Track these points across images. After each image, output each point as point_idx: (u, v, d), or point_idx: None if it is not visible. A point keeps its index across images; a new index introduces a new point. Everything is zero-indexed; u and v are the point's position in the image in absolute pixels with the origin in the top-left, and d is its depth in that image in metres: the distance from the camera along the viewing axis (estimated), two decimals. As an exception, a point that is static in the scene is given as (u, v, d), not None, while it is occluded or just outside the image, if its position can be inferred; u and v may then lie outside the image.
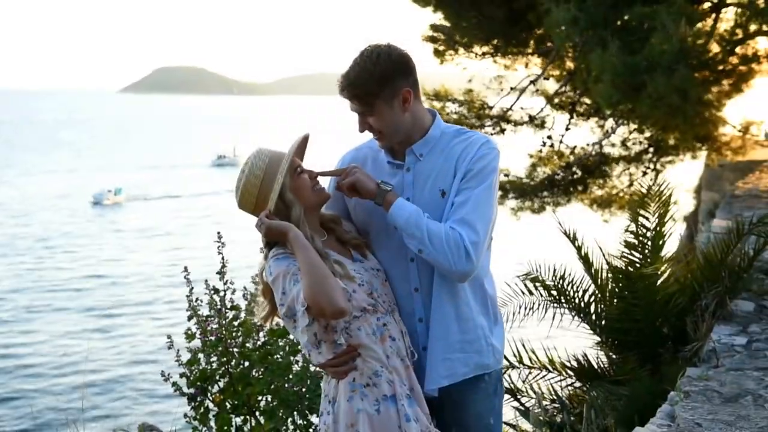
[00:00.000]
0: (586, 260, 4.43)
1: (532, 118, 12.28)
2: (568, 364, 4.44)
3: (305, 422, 3.93)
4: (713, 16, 9.62)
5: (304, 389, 3.85)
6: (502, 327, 2.55)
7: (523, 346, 4.49)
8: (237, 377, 3.92)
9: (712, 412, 2.89)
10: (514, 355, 4.47)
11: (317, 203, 2.39)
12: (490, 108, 12.20)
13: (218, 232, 4.01)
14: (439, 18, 12.03)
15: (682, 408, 2.94)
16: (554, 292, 4.43)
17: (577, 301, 4.38)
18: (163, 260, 32.49)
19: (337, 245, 2.40)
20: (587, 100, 12.14)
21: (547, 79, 12.31)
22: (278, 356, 3.94)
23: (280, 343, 3.97)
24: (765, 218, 4.36)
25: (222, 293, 4.01)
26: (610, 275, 4.34)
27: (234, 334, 3.96)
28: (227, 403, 3.93)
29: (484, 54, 12.21)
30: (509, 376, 4.41)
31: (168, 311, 23.55)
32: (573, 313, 4.41)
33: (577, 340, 4.51)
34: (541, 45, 11.95)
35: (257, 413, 3.98)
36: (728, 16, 9.83)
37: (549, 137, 12.47)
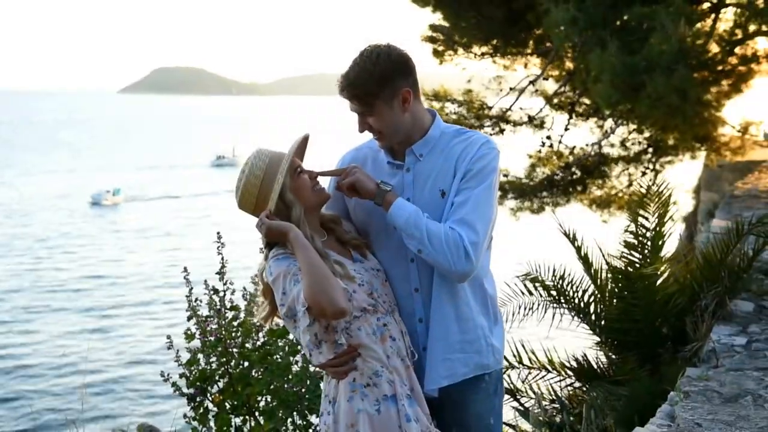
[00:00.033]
0: (585, 260, 4.43)
1: (531, 119, 12.28)
2: (567, 365, 4.44)
3: (305, 422, 3.93)
4: (712, 16, 9.62)
5: (303, 389, 3.84)
6: (502, 327, 2.55)
7: (523, 346, 4.49)
8: (236, 377, 3.91)
9: (711, 412, 2.89)
10: (514, 356, 4.47)
11: (317, 203, 2.39)
12: (490, 108, 12.20)
13: (218, 233, 4.01)
14: (438, 18, 12.03)
15: (681, 408, 2.94)
16: (554, 293, 4.43)
17: (576, 301, 4.38)
18: (162, 261, 32.49)
19: (337, 245, 2.40)
20: (586, 101, 12.15)
21: (546, 79, 12.32)
22: (278, 356, 3.94)
23: (280, 344, 3.97)
24: (764, 218, 4.36)
25: (221, 293, 4.01)
26: (609, 275, 4.34)
27: (233, 334, 3.96)
28: (227, 404, 3.93)
29: (483, 54, 12.21)
30: (509, 376, 4.41)
31: (167, 311, 23.54)
32: (572, 314, 4.41)
33: (576, 341, 4.51)
34: (541, 45, 11.95)
35: (257, 413, 3.98)
36: (727, 17, 9.84)
37: (548, 137, 12.46)
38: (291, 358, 3.94)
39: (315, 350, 2.27)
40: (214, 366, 3.94)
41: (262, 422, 3.92)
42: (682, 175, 14.56)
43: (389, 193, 2.34)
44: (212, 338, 3.91)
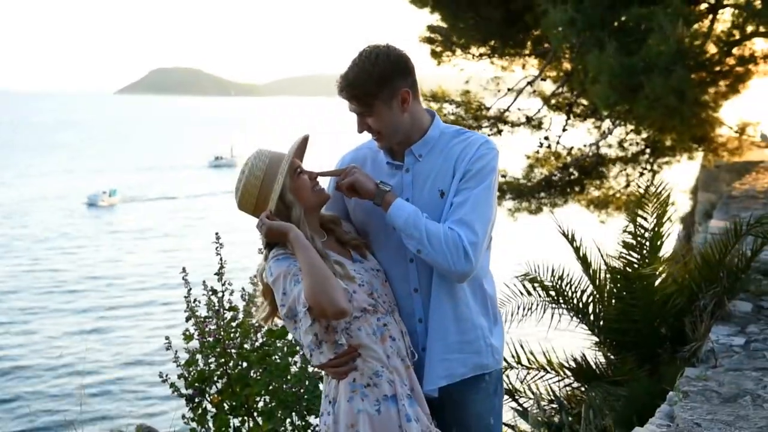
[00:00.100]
0: (584, 261, 4.42)
1: (529, 119, 12.29)
2: (566, 365, 4.43)
3: (303, 423, 3.93)
4: (710, 17, 9.63)
5: (302, 390, 3.84)
6: (501, 327, 2.55)
7: (522, 346, 4.49)
8: (235, 378, 3.91)
9: (711, 412, 2.89)
10: (513, 356, 4.47)
11: (317, 204, 2.39)
12: (488, 109, 12.20)
13: (216, 233, 4.01)
14: (436, 19, 12.04)
15: (681, 408, 2.94)
16: (552, 293, 4.42)
17: (575, 301, 4.38)
18: (160, 261, 32.48)
19: (337, 246, 2.40)
20: (584, 101, 12.15)
21: (544, 80, 12.32)
22: (276, 357, 3.94)
23: (279, 344, 3.97)
24: (762, 219, 4.36)
25: (220, 294, 4.00)
26: (608, 276, 4.34)
27: (232, 335, 3.95)
28: (225, 404, 3.92)
29: (481, 55, 12.22)
30: (507, 376, 4.41)
31: (165, 312, 23.53)
32: (571, 314, 4.41)
33: (575, 341, 4.51)
34: (539, 46, 11.96)
35: (255, 414, 3.97)
36: (725, 17, 9.85)
37: (546, 138, 12.47)
38: (290, 359, 3.94)
39: (315, 350, 2.27)
40: (212, 367, 3.94)
41: (260, 423, 3.92)
42: (679, 176, 14.58)
43: (388, 194, 2.34)
44: (211, 339, 3.91)
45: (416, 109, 2.41)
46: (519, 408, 4.34)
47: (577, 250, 4.45)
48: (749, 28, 9.21)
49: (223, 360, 3.91)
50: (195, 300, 3.97)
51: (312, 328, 2.19)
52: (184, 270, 3.99)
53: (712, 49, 9.28)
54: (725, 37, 9.45)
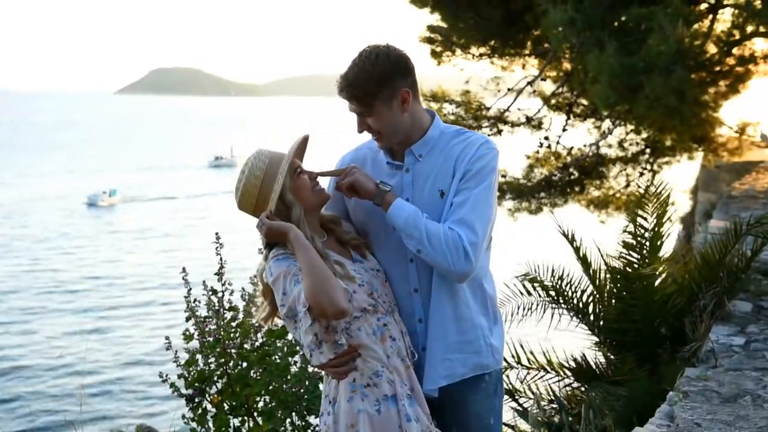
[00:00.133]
0: (584, 261, 4.42)
1: (529, 119, 12.29)
2: (566, 365, 4.43)
3: (303, 423, 3.93)
4: (710, 17, 9.63)
5: (302, 390, 3.85)
6: (501, 327, 2.55)
7: (522, 346, 4.49)
8: (235, 378, 3.91)
9: (711, 412, 2.89)
10: (513, 356, 4.47)
11: (317, 204, 2.39)
12: (487, 109, 12.20)
13: (216, 233, 4.01)
14: (436, 19, 12.04)
15: (681, 408, 2.94)
16: (552, 293, 4.42)
17: (575, 301, 4.38)
18: (160, 261, 32.48)
19: (337, 246, 2.40)
20: (584, 101, 12.16)
21: (544, 80, 12.32)
22: (276, 357, 3.94)
23: (278, 344, 3.97)
24: (762, 219, 4.36)
25: (220, 294, 4.00)
26: (608, 276, 4.34)
27: (232, 335, 3.95)
28: (225, 404, 3.93)
29: (481, 55, 12.22)
30: (507, 376, 4.41)
31: (165, 312, 23.53)
32: (571, 314, 4.41)
33: (575, 341, 4.51)
34: (539, 46, 11.96)
35: (255, 414, 3.97)
36: (725, 17, 9.85)
37: (546, 138, 12.47)
38: (289, 359, 3.94)
39: (315, 350, 2.27)
40: (212, 367, 3.94)
41: (260, 423, 3.92)
42: (679, 176, 14.59)
43: (388, 194, 2.34)
44: (211, 339, 3.91)
45: (416, 109, 2.41)
46: (519, 408, 4.34)
47: (577, 250, 4.45)
48: (749, 28, 9.21)
49: (223, 360, 3.91)
50: (195, 300, 3.97)
51: (312, 328, 2.19)
52: (184, 270, 3.99)
53: (712, 49, 9.28)
54: (725, 37, 9.45)
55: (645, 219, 4.19)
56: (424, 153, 2.42)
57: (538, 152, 12.54)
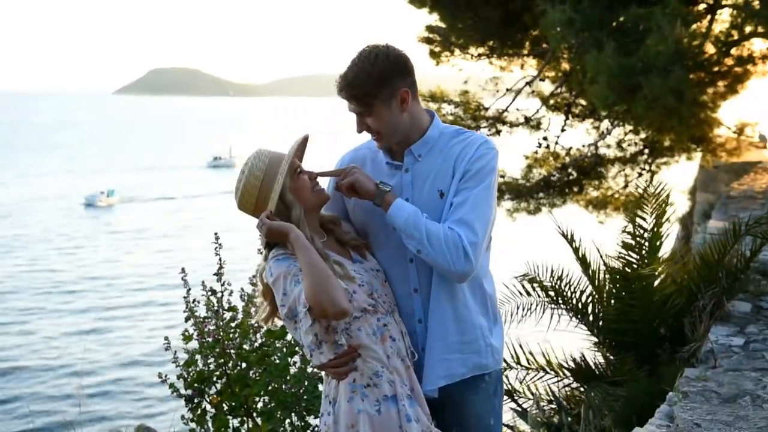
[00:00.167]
0: (583, 261, 4.43)
1: (527, 120, 12.29)
2: (565, 365, 4.44)
3: (303, 423, 3.93)
4: (708, 17, 9.64)
5: (301, 390, 3.84)
6: (501, 327, 2.55)
7: (521, 347, 4.49)
8: (234, 379, 3.91)
9: (710, 412, 2.89)
10: (512, 356, 4.47)
11: (317, 204, 2.39)
12: (486, 109, 12.21)
13: (215, 233, 4.00)
14: (434, 19, 12.04)
15: (680, 408, 2.94)
16: (552, 293, 4.43)
17: (574, 301, 4.38)
18: (159, 262, 32.46)
19: (337, 246, 2.40)
20: (583, 102, 12.16)
21: (542, 80, 12.33)
22: (275, 357, 3.94)
23: (278, 345, 3.97)
24: (761, 219, 4.36)
25: (219, 294, 4.00)
26: (607, 276, 4.35)
27: (231, 335, 3.95)
28: (224, 405, 3.92)
29: (479, 55, 12.22)
30: (507, 377, 4.41)
31: (164, 313, 23.51)
32: (570, 314, 4.41)
33: (574, 341, 4.51)
34: (537, 46, 11.97)
35: (255, 414, 3.97)
36: (724, 18, 9.86)
37: (545, 138, 12.48)
38: (289, 359, 3.93)
39: (315, 351, 2.27)
40: (211, 367, 3.94)
41: (260, 423, 3.92)
42: (678, 176, 14.59)
43: (388, 194, 2.34)
44: (210, 339, 3.91)
45: (415, 109, 2.41)
46: (518, 408, 4.35)
47: (576, 250, 4.45)
48: (748, 29, 9.21)
49: (222, 360, 3.91)
50: (194, 300, 3.97)
51: (312, 328, 2.19)
52: (183, 270, 4.00)
53: (710, 49, 9.28)
54: (724, 38, 9.45)
55: (644, 219, 4.20)
56: (423, 153, 2.42)
57: (536, 152, 12.55)
